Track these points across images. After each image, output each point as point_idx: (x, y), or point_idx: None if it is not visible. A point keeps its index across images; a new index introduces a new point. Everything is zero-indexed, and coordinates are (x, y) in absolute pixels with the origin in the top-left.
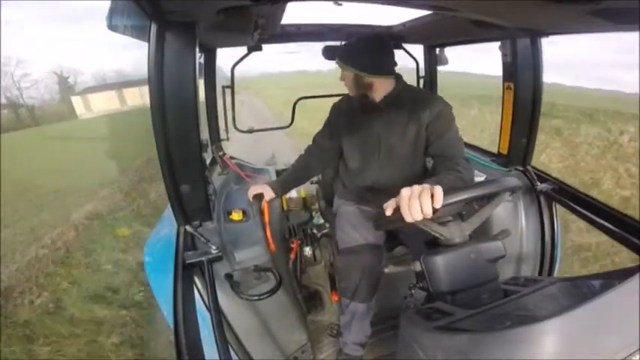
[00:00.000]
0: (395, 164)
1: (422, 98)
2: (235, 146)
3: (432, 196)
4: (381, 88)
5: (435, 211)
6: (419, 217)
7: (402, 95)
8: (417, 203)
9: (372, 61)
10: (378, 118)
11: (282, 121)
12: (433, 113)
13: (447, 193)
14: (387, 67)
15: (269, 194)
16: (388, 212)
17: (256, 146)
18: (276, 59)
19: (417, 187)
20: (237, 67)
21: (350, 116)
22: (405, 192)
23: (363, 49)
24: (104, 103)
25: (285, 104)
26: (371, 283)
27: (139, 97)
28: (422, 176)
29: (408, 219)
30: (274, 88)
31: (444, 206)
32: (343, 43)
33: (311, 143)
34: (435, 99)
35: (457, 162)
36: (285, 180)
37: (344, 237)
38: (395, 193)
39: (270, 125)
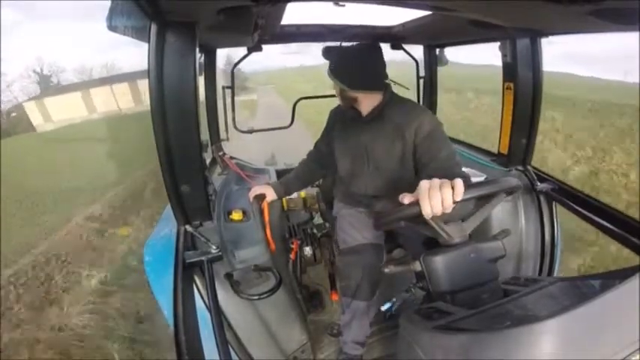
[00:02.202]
0: (384, 176)
1: (408, 115)
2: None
3: (453, 189)
4: (365, 102)
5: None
6: (439, 209)
7: (389, 110)
8: (438, 195)
9: (356, 77)
10: (366, 130)
11: (316, 133)
12: (420, 135)
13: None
14: (371, 84)
15: (271, 195)
16: (406, 201)
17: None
18: (299, 51)
19: (436, 180)
20: (253, 61)
21: (342, 125)
22: (424, 184)
23: (349, 64)
24: (69, 108)
25: (315, 110)
26: (372, 281)
27: (114, 101)
28: (414, 188)
29: (427, 211)
30: (299, 83)
31: (462, 201)
32: (342, 44)
33: (312, 148)
34: (423, 118)
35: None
36: (288, 182)
37: (345, 237)
38: (389, 201)
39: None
